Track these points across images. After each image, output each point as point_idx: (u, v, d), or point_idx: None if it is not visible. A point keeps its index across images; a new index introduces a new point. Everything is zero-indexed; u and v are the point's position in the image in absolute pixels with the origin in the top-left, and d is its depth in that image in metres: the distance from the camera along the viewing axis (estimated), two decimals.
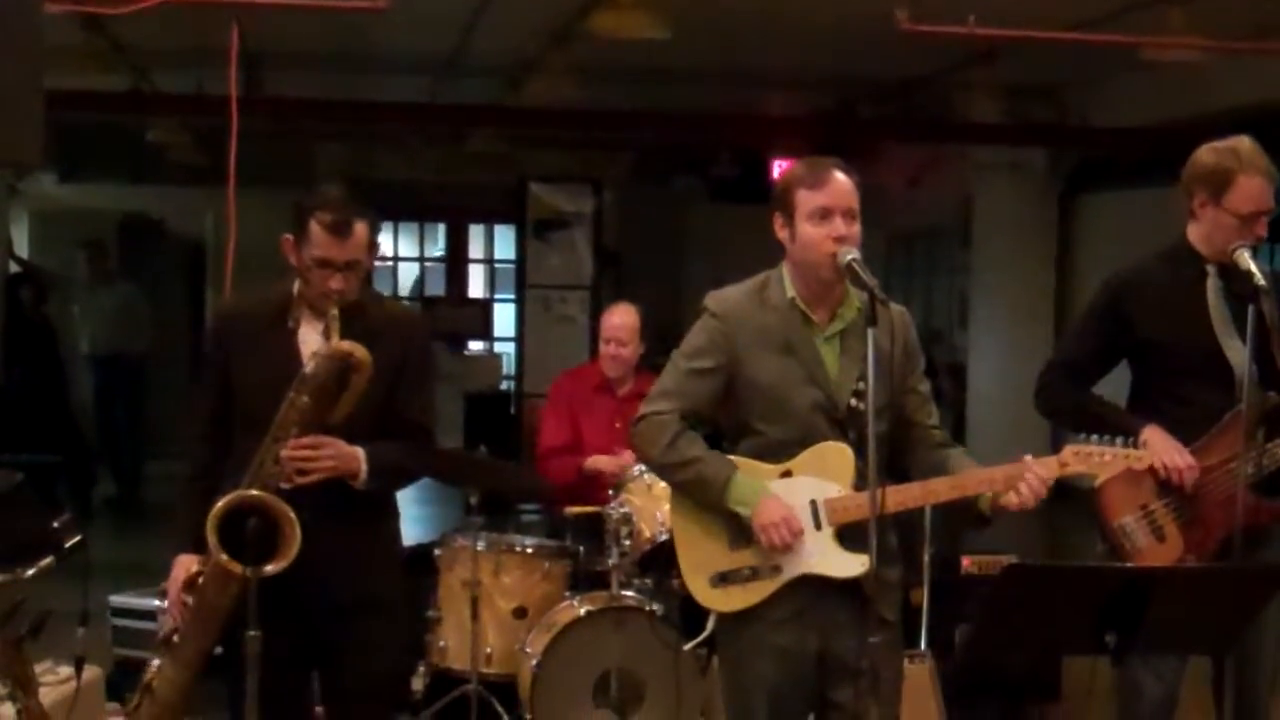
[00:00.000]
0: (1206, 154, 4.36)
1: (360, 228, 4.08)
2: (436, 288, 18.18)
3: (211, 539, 3.95)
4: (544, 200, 13.61)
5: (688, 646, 5.58)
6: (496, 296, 17.82)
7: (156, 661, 4.22)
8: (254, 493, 3.97)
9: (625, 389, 6.42)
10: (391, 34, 9.51)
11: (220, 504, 3.97)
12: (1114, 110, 11.49)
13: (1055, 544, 9.17)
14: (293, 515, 3.94)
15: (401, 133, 14.79)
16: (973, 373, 13.38)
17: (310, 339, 4.12)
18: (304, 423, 3.99)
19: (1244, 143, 4.33)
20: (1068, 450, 3.81)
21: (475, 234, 18.62)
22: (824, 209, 3.81)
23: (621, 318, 6.42)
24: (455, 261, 18.51)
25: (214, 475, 4.18)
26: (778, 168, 14.33)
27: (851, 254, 3.76)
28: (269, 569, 3.93)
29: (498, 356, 16.87)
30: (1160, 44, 8.39)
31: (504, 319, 16.90)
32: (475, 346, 17.24)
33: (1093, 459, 3.80)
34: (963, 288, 13.91)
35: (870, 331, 3.65)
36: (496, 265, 18.26)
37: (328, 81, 11.81)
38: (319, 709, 4.38)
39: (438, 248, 18.68)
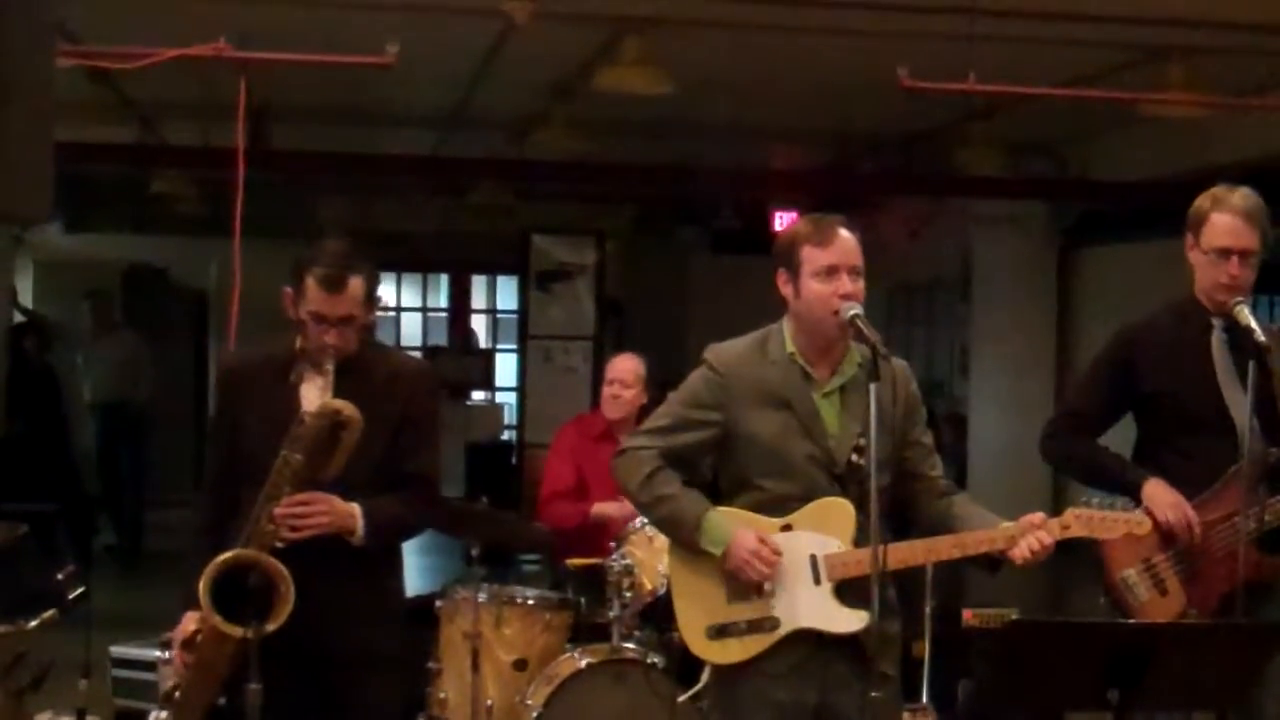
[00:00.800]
0: (1198, 198, 4.40)
1: (355, 283, 4.06)
2: (439, 338, 18.24)
3: (204, 600, 3.94)
4: (546, 252, 13.65)
5: (682, 698, 5.58)
6: (499, 347, 17.88)
7: (162, 714, 4.21)
8: (247, 551, 3.96)
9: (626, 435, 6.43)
10: (397, 88, 9.57)
11: (213, 564, 3.96)
12: (1113, 164, 11.53)
13: (1058, 597, 9.14)
14: (286, 574, 3.93)
15: (405, 185, 14.86)
16: (974, 423, 13.39)
17: (310, 394, 4.12)
18: (297, 480, 4.00)
19: (1227, 188, 4.36)
20: (1070, 513, 3.82)
21: (478, 285, 18.70)
22: (830, 267, 3.84)
23: (627, 363, 6.48)
24: (458, 312, 18.56)
25: (221, 531, 4.18)
26: (780, 220, 14.40)
27: (854, 309, 3.80)
28: (262, 631, 3.91)
29: (499, 407, 16.91)
30: (1158, 100, 8.42)
31: (506, 369, 16.94)
32: (477, 396, 17.27)
33: (1094, 522, 3.82)
34: (963, 339, 13.94)
35: (873, 387, 3.67)
36: (499, 315, 18.33)
37: (332, 134, 11.87)
38: None
39: (440, 298, 18.75)
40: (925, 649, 5.91)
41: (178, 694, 4.13)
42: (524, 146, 11.83)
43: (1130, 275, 11.77)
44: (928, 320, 15.46)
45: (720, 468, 3.99)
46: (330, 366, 4.02)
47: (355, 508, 4.08)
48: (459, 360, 17.15)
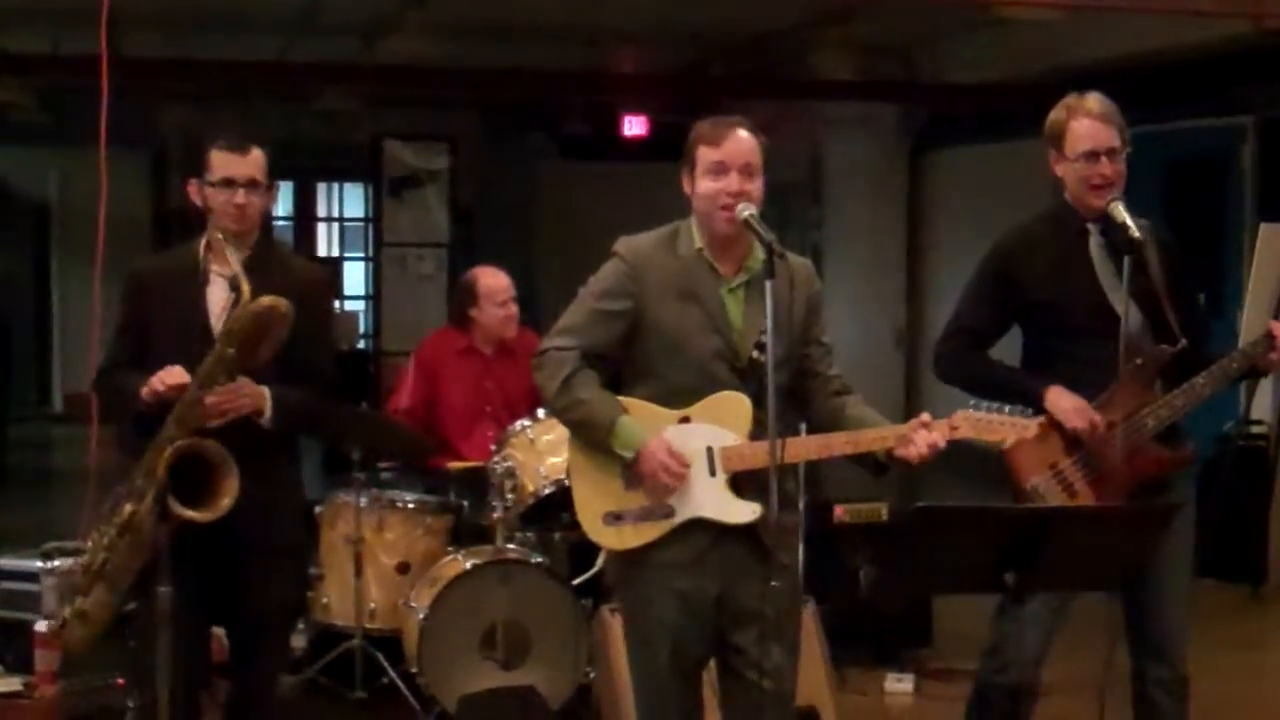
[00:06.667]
0: (1051, 113, 4.50)
1: (256, 150, 4.33)
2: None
3: (163, 476, 4.08)
4: (399, 158, 13.52)
5: (577, 581, 5.77)
6: (346, 255, 17.69)
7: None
8: (204, 441, 4.14)
9: (492, 348, 6.41)
10: None
11: (172, 448, 4.10)
12: (965, 67, 11.65)
13: (913, 497, 9.35)
14: (234, 465, 4.13)
15: (249, 91, 14.53)
16: (827, 324, 13.55)
17: (216, 296, 4.31)
18: (229, 373, 4.17)
19: (1078, 95, 4.45)
20: (959, 414, 3.89)
21: (322, 192, 18.41)
22: (719, 164, 3.90)
23: (501, 279, 6.40)
24: (303, 220, 18.29)
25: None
26: (629, 124, 14.40)
27: (749, 210, 3.87)
28: (208, 515, 4.13)
29: (352, 315, 16.74)
30: (1011, 1, 8.52)
31: (353, 278, 16.77)
32: None
33: (981, 424, 3.88)
34: (815, 242, 14.08)
35: (768, 284, 3.73)
36: (346, 224, 18.11)
37: (175, 40, 11.55)
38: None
39: (285, 206, 18.42)
40: (799, 544, 6.04)
41: (108, 566, 4.26)
42: (373, 52, 11.65)
43: (979, 177, 11.99)
44: (779, 223, 15.45)
45: (624, 356, 4.01)
46: (240, 270, 4.17)
47: (265, 390, 4.27)
48: None
